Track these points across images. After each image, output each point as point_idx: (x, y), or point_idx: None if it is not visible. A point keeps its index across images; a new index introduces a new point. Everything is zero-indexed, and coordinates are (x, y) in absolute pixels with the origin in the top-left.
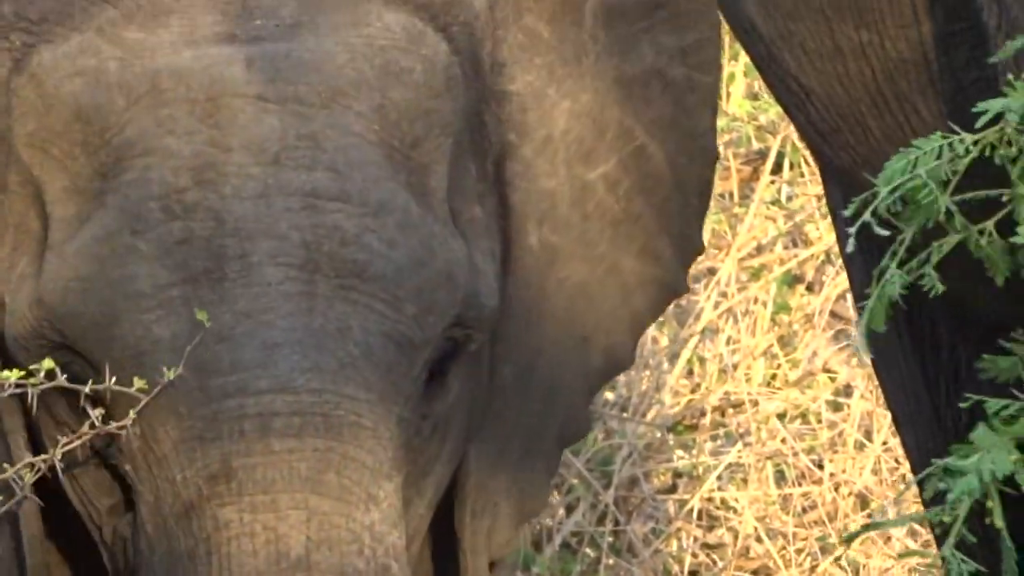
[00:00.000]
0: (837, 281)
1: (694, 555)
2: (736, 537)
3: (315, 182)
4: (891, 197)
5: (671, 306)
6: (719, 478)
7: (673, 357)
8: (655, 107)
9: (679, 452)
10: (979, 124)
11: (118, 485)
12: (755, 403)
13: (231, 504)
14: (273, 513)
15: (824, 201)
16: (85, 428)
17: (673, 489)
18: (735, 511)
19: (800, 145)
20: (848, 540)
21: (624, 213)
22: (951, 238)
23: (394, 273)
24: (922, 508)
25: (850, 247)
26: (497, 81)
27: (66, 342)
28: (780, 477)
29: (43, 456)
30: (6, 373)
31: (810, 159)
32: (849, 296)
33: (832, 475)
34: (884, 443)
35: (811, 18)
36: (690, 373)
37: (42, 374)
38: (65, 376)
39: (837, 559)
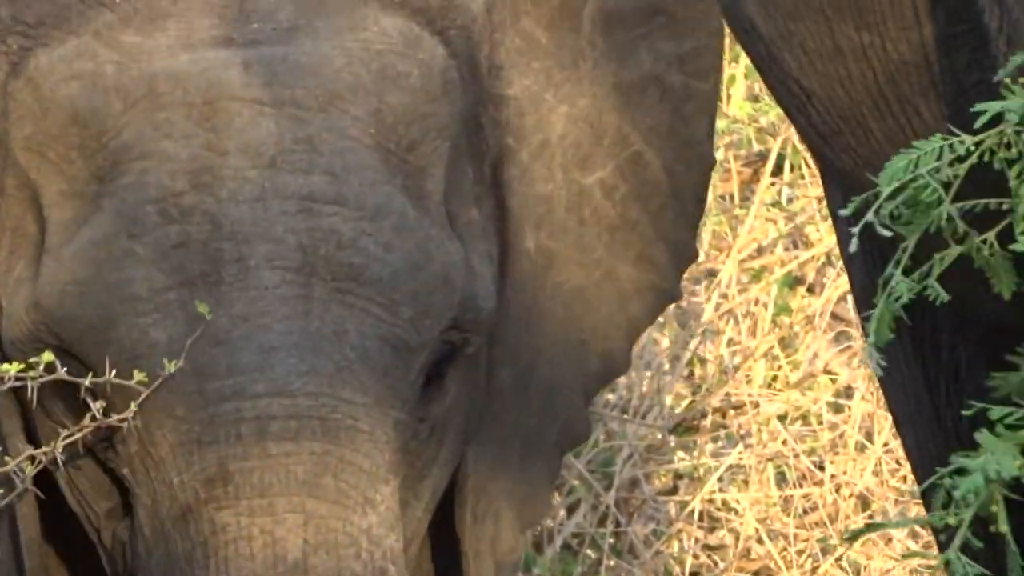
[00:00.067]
0: (838, 283)
1: (695, 556)
2: (737, 538)
3: (311, 186)
4: (894, 199)
5: (672, 307)
6: (720, 479)
7: (674, 359)
8: (653, 114)
9: (680, 453)
10: (978, 125)
11: (116, 488)
12: (756, 405)
13: (228, 508)
14: (270, 517)
15: (825, 203)
16: (86, 421)
17: (674, 490)
18: (736, 512)
19: (801, 147)
20: (850, 539)
21: (621, 219)
22: (953, 250)
23: (390, 277)
24: (924, 510)
25: (853, 247)
26: (495, 84)
27: (63, 346)
28: (781, 478)
29: (44, 449)
30: (6, 366)
31: (811, 161)
32: (850, 298)
33: (833, 476)
34: (885, 444)
35: (811, 19)
36: (691, 375)
37: (41, 367)
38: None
39: (838, 560)
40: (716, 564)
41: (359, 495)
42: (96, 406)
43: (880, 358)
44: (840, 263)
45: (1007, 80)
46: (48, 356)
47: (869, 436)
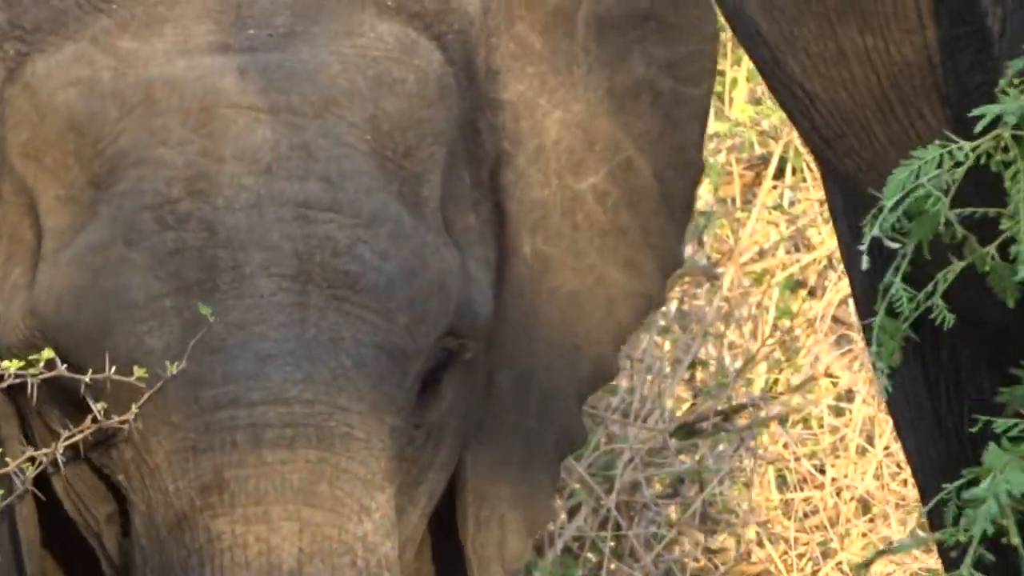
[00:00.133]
0: (839, 286)
1: (696, 560)
2: (738, 542)
3: (307, 192)
4: (897, 211)
5: (673, 311)
6: (721, 483)
7: (675, 362)
8: (644, 120)
9: (681, 457)
10: (977, 129)
11: (114, 492)
12: (757, 408)
13: (223, 515)
14: (265, 524)
15: (826, 206)
16: (87, 422)
17: (675, 494)
18: (737, 516)
19: (803, 150)
20: (863, 567)
21: (611, 224)
22: (956, 265)
23: (386, 284)
24: (924, 513)
25: (864, 264)
26: (492, 89)
27: (59, 353)
28: (782, 482)
29: (44, 450)
30: (6, 363)
31: (812, 164)
32: (851, 301)
33: (834, 480)
34: (886, 448)
35: (815, 22)
36: (692, 378)
37: (41, 364)
38: (58, 386)
39: (839, 564)
40: (717, 567)
41: (354, 503)
42: (97, 407)
43: (889, 384)
44: (841, 266)
45: (1003, 83)
46: (48, 353)
47: (870, 439)
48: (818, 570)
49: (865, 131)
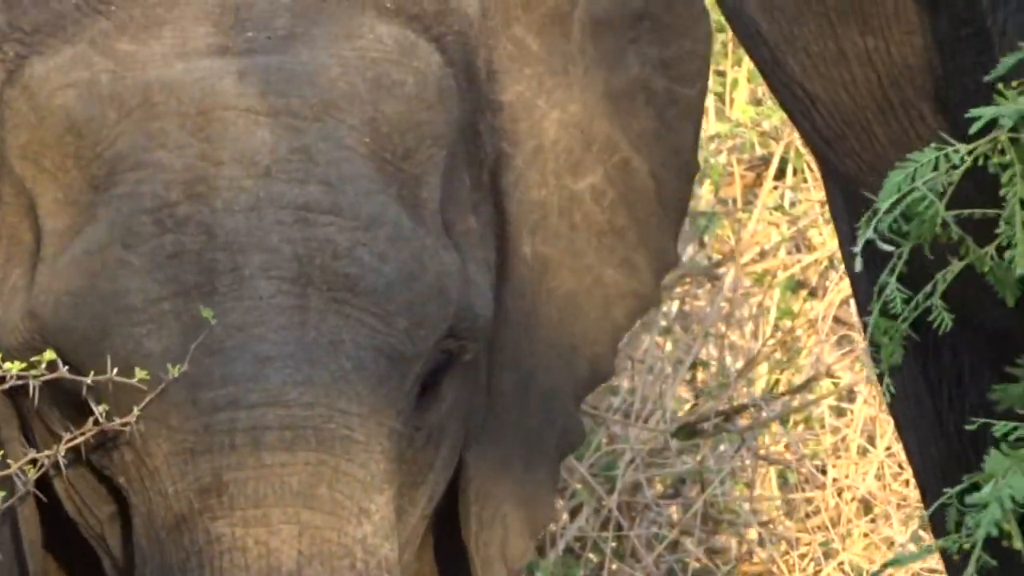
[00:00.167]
0: (840, 286)
1: (697, 560)
2: (739, 542)
3: (307, 195)
4: (893, 214)
5: (675, 311)
6: (722, 483)
7: (676, 362)
8: (640, 120)
9: (682, 457)
10: (972, 131)
11: (115, 492)
12: (758, 408)
13: (223, 518)
14: (265, 527)
15: (827, 207)
16: (88, 424)
17: (676, 494)
18: (738, 516)
19: (803, 151)
20: None
21: (608, 225)
22: (955, 265)
23: (385, 287)
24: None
25: (858, 266)
26: (492, 90)
27: (59, 354)
28: (783, 482)
29: (46, 452)
30: (8, 365)
31: (813, 165)
32: (852, 301)
33: (835, 480)
34: (887, 448)
35: (815, 23)
36: (693, 379)
37: (43, 366)
38: (59, 388)
39: (840, 564)
40: (718, 568)
41: (354, 505)
42: (99, 409)
43: (891, 384)
44: (843, 267)
45: (1000, 86)
46: (50, 354)
47: (871, 440)
48: (820, 570)
49: (866, 132)
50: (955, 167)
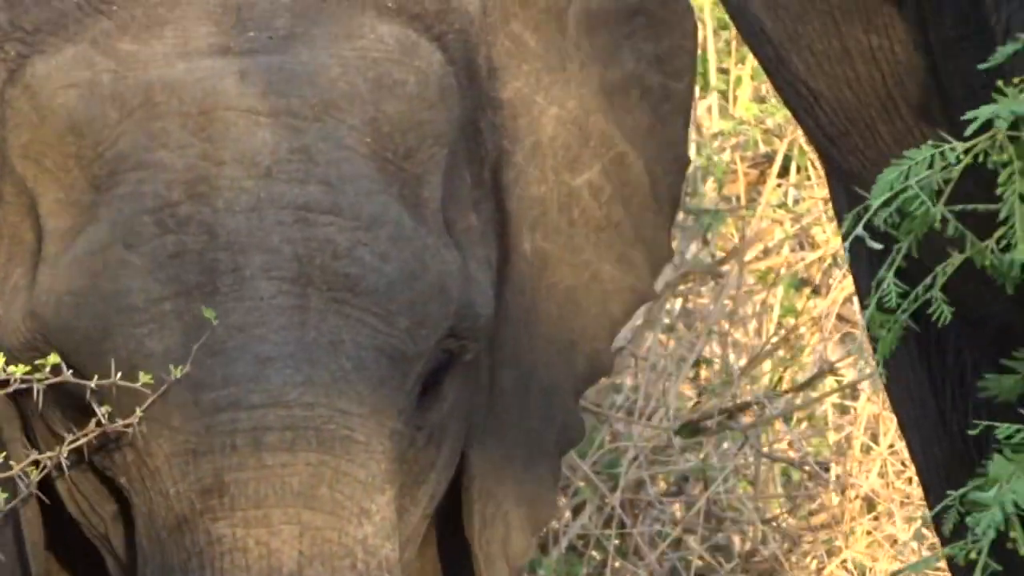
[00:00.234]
0: (844, 284)
1: (700, 557)
2: (742, 540)
3: (307, 195)
4: (885, 210)
5: (678, 309)
6: (725, 481)
7: (680, 360)
8: (634, 115)
9: (686, 455)
10: (968, 132)
11: (118, 491)
12: (762, 406)
13: (224, 519)
14: (266, 528)
15: (831, 204)
16: (92, 425)
17: (679, 492)
18: (741, 514)
19: (807, 148)
20: None
21: (605, 220)
22: (955, 258)
23: (386, 287)
24: (928, 512)
25: (847, 259)
26: (493, 87)
27: (60, 354)
28: (786, 480)
29: (49, 453)
30: (12, 368)
31: (817, 163)
32: (856, 299)
33: (838, 478)
34: (891, 446)
35: (819, 21)
36: (696, 376)
37: (47, 369)
38: (61, 389)
39: (843, 562)
40: (721, 565)
41: (355, 506)
42: (101, 411)
43: (884, 373)
44: (846, 264)
45: (1000, 83)
46: (53, 358)
47: (875, 438)
48: (823, 568)
49: (869, 129)
50: (950, 165)
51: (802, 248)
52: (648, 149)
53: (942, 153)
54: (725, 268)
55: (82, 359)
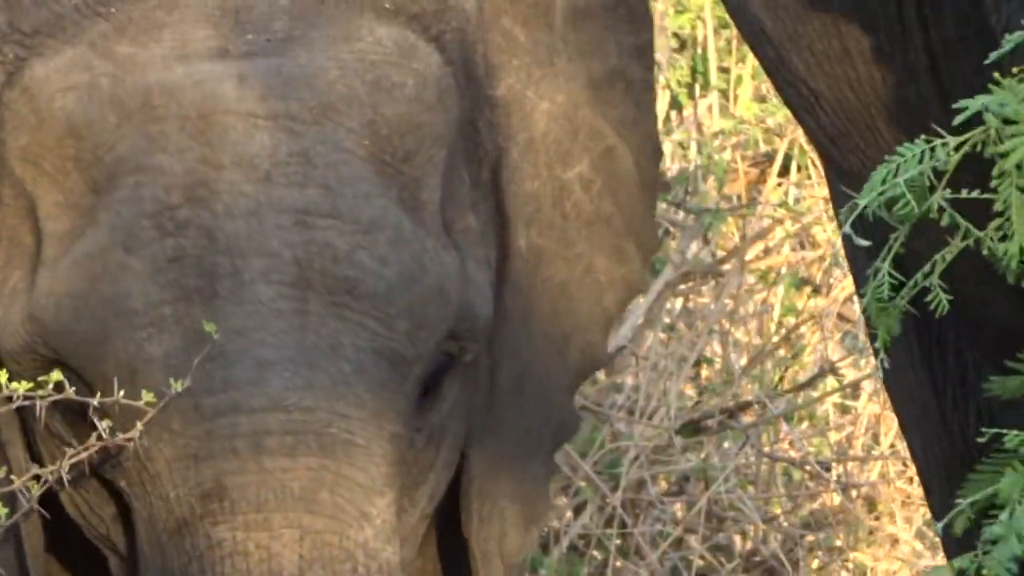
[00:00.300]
0: (845, 283)
1: (701, 557)
2: (743, 539)
3: (306, 199)
4: (874, 203)
5: (678, 308)
6: (726, 480)
7: (680, 359)
8: (620, 108)
9: (687, 455)
10: (956, 122)
11: (119, 493)
12: (763, 405)
13: (224, 523)
14: (266, 532)
15: (831, 204)
16: (92, 440)
17: (680, 491)
18: (742, 513)
19: (808, 148)
20: None
21: (596, 213)
22: (954, 246)
23: (386, 290)
24: (929, 512)
25: (847, 259)
26: (490, 84)
27: (59, 358)
28: (787, 479)
29: (50, 468)
30: (15, 385)
31: (818, 162)
32: (856, 298)
33: (839, 477)
34: (892, 446)
35: (819, 20)
36: (697, 375)
37: (50, 386)
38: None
39: (844, 562)
40: (722, 565)
41: (355, 509)
42: (102, 426)
43: (885, 358)
44: (847, 264)
45: (996, 75)
46: (57, 375)
47: (876, 437)
48: (824, 568)
49: (870, 130)
50: (940, 161)
51: (803, 247)
52: (633, 141)
53: (932, 149)
54: (726, 267)
55: (81, 362)
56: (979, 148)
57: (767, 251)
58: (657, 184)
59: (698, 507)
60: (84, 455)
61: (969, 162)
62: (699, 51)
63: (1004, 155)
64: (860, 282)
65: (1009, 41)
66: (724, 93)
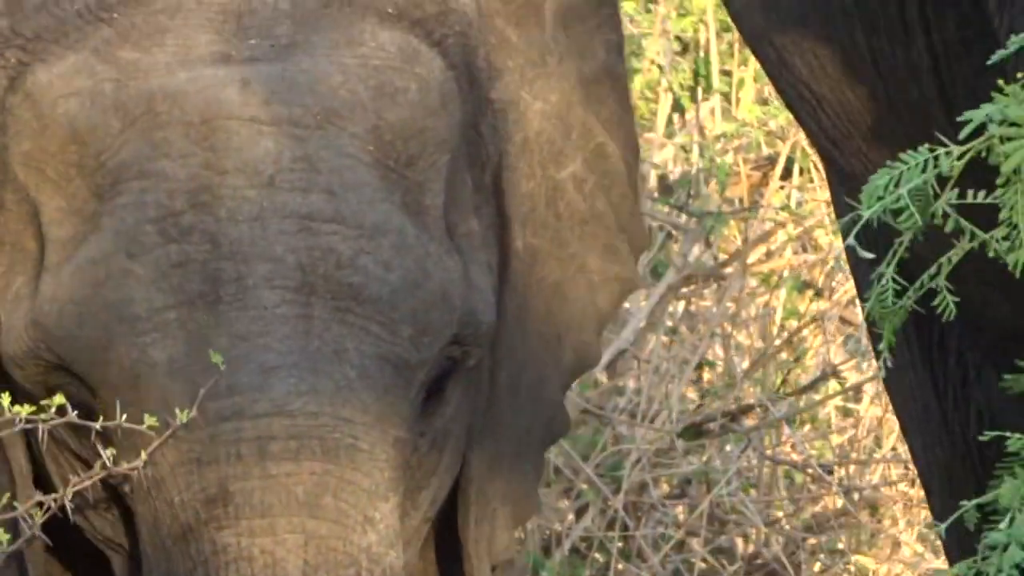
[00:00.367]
0: (846, 287)
1: (703, 560)
2: (745, 542)
3: (310, 204)
4: (876, 212)
5: (681, 311)
6: (728, 483)
7: (682, 362)
8: (608, 105)
9: (688, 457)
10: (963, 135)
11: (121, 495)
12: (764, 408)
13: (228, 528)
14: (271, 537)
15: (833, 207)
16: (96, 468)
17: (682, 494)
18: (744, 516)
19: (810, 151)
20: None
21: (589, 211)
22: (960, 248)
23: (389, 295)
24: (931, 515)
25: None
26: (492, 87)
27: (63, 363)
28: (789, 482)
29: (53, 496)
30: (17, 408)
31: (820, 165)
32: (859, 301)
33: (841, 480)
34: (894, 449)
35: (821, 23)
36: (699, 379)
37: (53, 410)
38: (63, 395)
39: (847, 564)
40: (724, 568)
41: (359, 514)
42: (106, 454)
43: (889, 358)
44: (848, 267)
45: (1000, 82)
46: (59, 399)
47: (878, 440)
48: (826, 570)
49: (872, 132)
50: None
51: (805, 250)
52: (619, 138)
53: (936, 158)
54: (728, 271)
55: (85, 368)
56: (983, 154)
57: (769, 254)
58: (636, 180)
59: (700, 510)
60: (87, 483)
61: (973, 166)
62: (701, 54)
63: (1007, 157)
64: (862, 287)
65: (1013, 43)
66: (726, 96)
